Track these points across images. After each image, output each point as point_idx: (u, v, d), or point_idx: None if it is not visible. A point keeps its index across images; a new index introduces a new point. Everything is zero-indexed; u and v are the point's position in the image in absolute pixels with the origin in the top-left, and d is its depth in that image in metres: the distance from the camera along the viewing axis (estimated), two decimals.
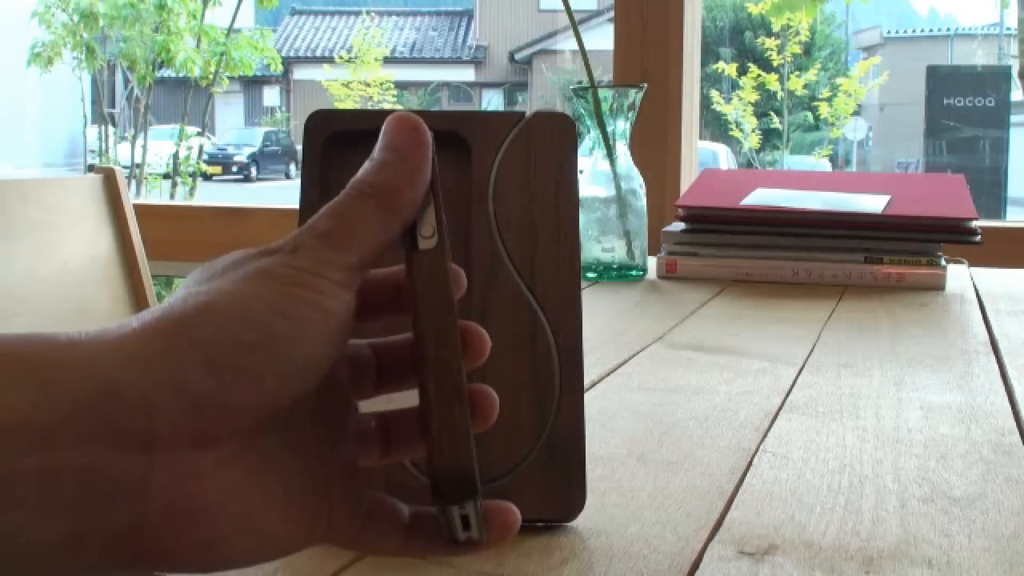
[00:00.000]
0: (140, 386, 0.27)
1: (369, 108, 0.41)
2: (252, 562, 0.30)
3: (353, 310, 0.32)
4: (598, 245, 1.22)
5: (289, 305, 0.30)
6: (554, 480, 0.46)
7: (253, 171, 14.44)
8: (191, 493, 0.28)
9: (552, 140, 0.48)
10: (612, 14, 1.73)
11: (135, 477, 0.27)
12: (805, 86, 11.03)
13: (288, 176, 14.50)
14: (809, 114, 11.83)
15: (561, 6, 1.29)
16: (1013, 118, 10.31)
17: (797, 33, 10.30)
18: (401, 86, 14.37)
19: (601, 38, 1.99)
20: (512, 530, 0.34)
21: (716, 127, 11.05)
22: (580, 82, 1.23)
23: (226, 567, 0.30)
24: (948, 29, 15.55)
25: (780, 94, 10.84)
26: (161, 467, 0.27)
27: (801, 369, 0.78)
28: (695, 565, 0.42)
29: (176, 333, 0.28)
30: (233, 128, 15.94)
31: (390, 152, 0.33)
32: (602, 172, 1.22)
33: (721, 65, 10.79)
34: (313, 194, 0.47)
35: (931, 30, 15.90)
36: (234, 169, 14.17)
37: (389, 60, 14.17)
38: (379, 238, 0.32)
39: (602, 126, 1.20)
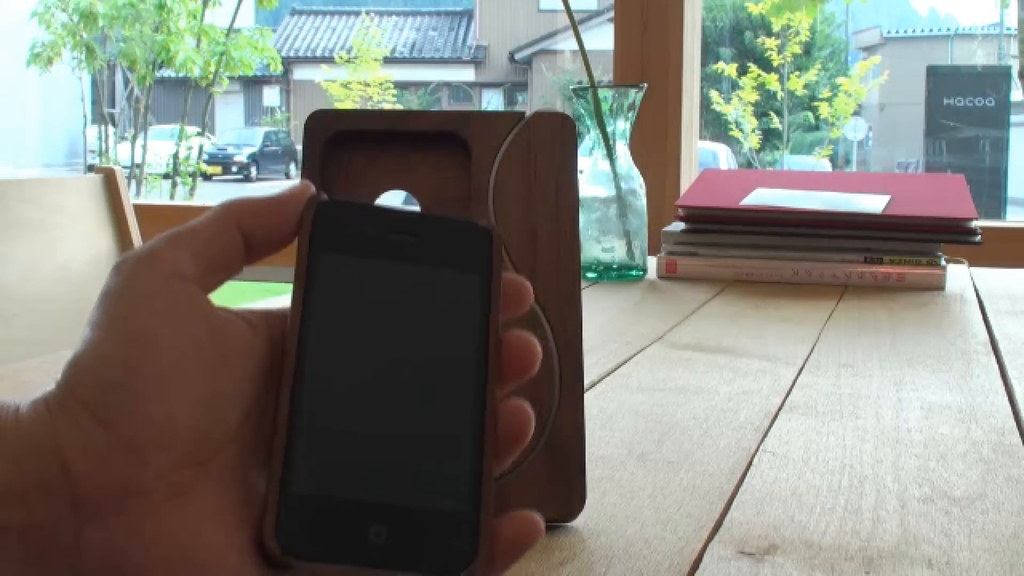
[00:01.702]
0: (55, 448, 0.28)
1: (369, 108, 0.41)
2: None
3: (212, 316, 0.30)
4: (598, 245, 1.22)
5: (135, 325, 0.29)
6: (554, 480, 0.46)
7: (253, 171, 14.44)
8: (123, 547, 0.28)
9: (552, 140, 0.48)
10: (612, 14, 1.73)
11: (68, 535, 0.27)
12: (805, 86, 11.04)
13: (288, 176, 14.51)
14: (809, 114, 11.83)
15: (561, 6, 1.29)
16: (1013, 118, 10.31)
17: (797, 33, 10.31)
18: (401, 86, 14.38)
19: (601, 38, 1.99)
20: (529, 545, 0.32)
21: (716, 127, 11.05)
22: (580, 82, 1.23)
23: None
24: (948, 29, 15.55)
25: (780, 94, 10.85)
26: (90, 523, 0.27)
27: (801, 369, 0.78)
28: (695, 565, 0.42)
29: (64, 395, 0.28)
30: (233, 128, 15.94)
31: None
32: (602, 172, 1.22)
33: (721, 65, 10.80)
34: None
35: (931, 30, 15.90)
36: (234, 169, 14.17)
37: (389, 60, 14.18)
38: (214, 235, 0.32)
39: (602, 126, 1.20)
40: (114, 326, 0.29)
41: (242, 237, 0.32)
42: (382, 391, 0.31)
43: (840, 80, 11.37)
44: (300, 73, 16.64)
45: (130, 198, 1.45)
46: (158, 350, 0.29)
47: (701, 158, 2.41)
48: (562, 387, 0.46)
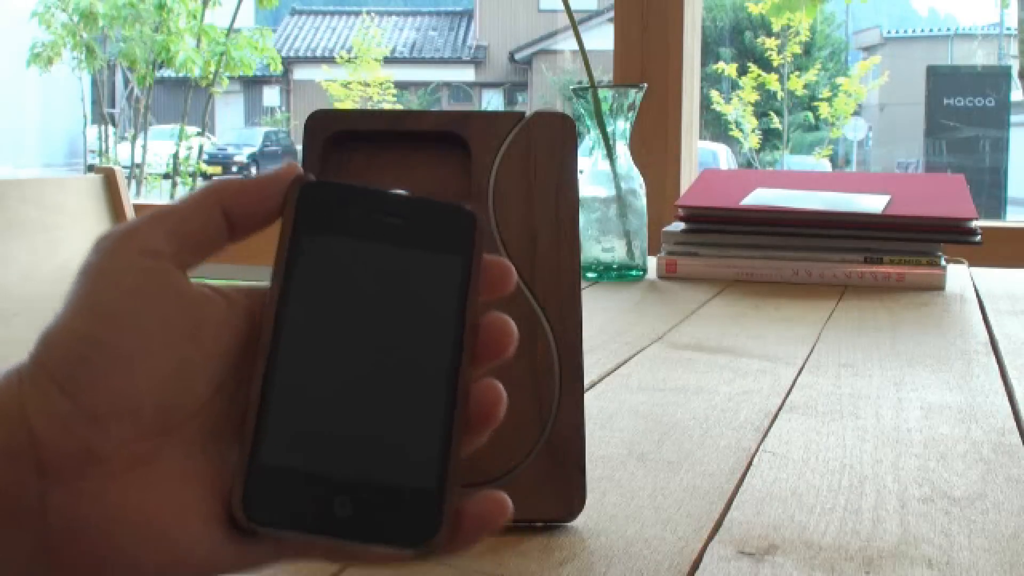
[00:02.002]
0: (22, 417, 0.29)
1: (369, 108, 0.41)
2: (176, 573, 0.30)
3: (186, 289, 0.32)
4: (598, 245, 1.22)
5: (103, 301, 0.31)
6: (554, 480, 0.46)
7: (253, 171, 14.44)
8: (86, 511, 0.29)
9: (552, 140, 0.48)
10: (612, 14, 1.73)
11: (33, 499, 0.29)
12: (805, 86, 11.04)
13: None
14: (809, 114, 11.83)
15: (561, 6, 1.29)
16: (1013, 118, 10.31)
17: (797, 33, 10.31)
18: (401, 86, 14.37)
19: (601, 38, 1.99)
20: (496, 525, 0.33)
21: (716, 127, 11.05)
22: (580, 82, 1.23)
23: None
24: (948, 29, 15.54)
25: (780, 94, 10.85)
26: (55, 488, 0.29)
27: (801, 369, 0.78)
28: (695, 565, 0.42)
29: (34, 367, 0.30)
30: (233, 128, 15.94)
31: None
32: (602, 172, 1.22)
33: (721, 65, 10.79)
34: None
35: (931, 30, 15.89)
36: (234, 169, 14.17)
37: (389, 60, 14.18)
38: (192, 213, 0.33)
39: (602, 126, 1.20)
40: (84, 302, 0.31)
41: (223, 216, 0.33)
42: (355, 368, 0.32)
43: (840, 80, 11.36)
44: (300, 73, 16.64)
45: (130, 198, 1.45)
46: (123, 325, 0.30)
47: (701, 158, 2.41)
48: (562, 387, 0.46)
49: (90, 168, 1.84)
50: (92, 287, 0.31)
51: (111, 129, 8.06)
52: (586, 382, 0.70)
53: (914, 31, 15.53)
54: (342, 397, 0.32)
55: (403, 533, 0.31)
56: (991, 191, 9.71)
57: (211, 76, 7.29)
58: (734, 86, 10.72)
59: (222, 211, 0.33)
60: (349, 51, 13.21)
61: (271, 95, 17.73)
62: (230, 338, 0.32)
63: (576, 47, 1.25)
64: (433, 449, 0.32)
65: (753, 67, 10.54)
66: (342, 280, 0.33)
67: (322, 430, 0.31)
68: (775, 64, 10.63)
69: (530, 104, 15.72)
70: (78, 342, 0.30)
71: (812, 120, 11.92)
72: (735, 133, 10.64)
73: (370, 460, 0.31)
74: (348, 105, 11.52)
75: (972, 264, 1.32)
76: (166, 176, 7.54)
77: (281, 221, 0.33)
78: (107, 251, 0.32)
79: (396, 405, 0.32)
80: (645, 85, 1.22)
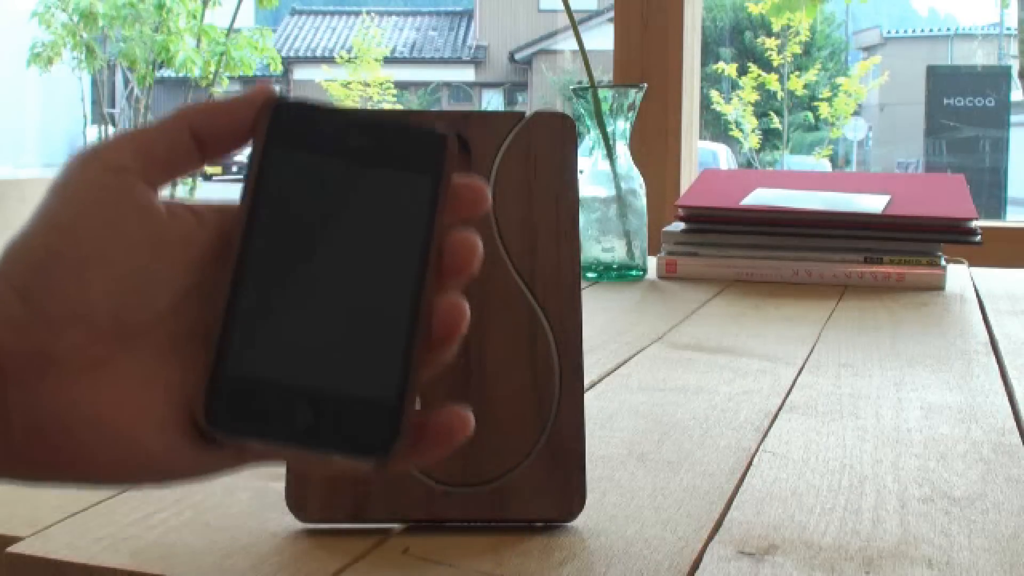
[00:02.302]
0: None
1: (369, 108, 0.41)
2: (138, 474, 0.32)
3: (148, 202, 0.33)
4: (598, 245, 1.22)
5: (62, 213, 0.33)
6: (554, 480, 0.46)
7: None
8: (46, 410, 0.31)
9: (552, 140, 0.48)
10: (612, 14, 1.73)
11: None
12: (805, 86, 11.04)
13: None
14: (809, 114, 11.83)
15: (561, 6, 1.29)
16: (1013, 118, 10.31)
17: (797, 33, 10.31)
18: (401, 86, 14.38)
19: (601, 38, 1.99)
20: (457, 440, 0.33)
21: (716, 127, 11.05)
22: (580, 82, 1.23)
23: (111, 479, 0.32)
24: (948, 29, 15.54)
25: (780, 94, 10.85)
26: (15, 388, 0.30)
27: (801, 369, 0.78)
28: (695, 565, 0.42)
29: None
30: None
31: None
32: (602, 172, 1.22)
33: (721, 65, 10.80)
34: None
35: (931, 30, 15.90)
36: (234, 169, 14.14)
37: (389, 60, 14.18)
38: (161, 133, 0.34)
39: (602, 126, 1.20)
40: (44, 215, 0.33)
41: (192, 137, 0.34)
42: (321, 281, 0.33)
43: (840, 80, 11.37)
44: (300, 73, 16.64)
45: None
46: (79, 236, 0.32)
47: (701, 158, 2.41)
48: (562, 387, 0.46)
49: None
50: (54, 201, 0.33)
51: (111, 129, 8.06)
52: (586, 382, 0.70)
53: (914, 31, 15.53)
54: (307, 309, 0.33)
55: (362, 443, 0.32)
56: (991, 191, 9.71)
57: (211, 76, 7.28)
58: (734, 86, 10.73)
59: (191, 132, 0.34)
60: (349, 51, 13.21)
61: None
62: (198, 251, 0.33)
63: (576, 47, 1.25)
64: (394, 362, 0.33)
65: (753, 67, 10.54)
66: (311, 197, 0.34)
67: (286, 341, 0.32)
68: (775, 64, 10.63)
69: (530, 104, 15.72)
70: (35, 252, 0.32)
71: (812, 120, 11.92)
72: (735, 133, 10.64)
73: (332, 371, 0.32)
74: (348, 105, 11.52)
75: (972, 264, 1.32)
76: None
77: (252, 140, 0.34)
78: (73, 168, 0.33)
79: (359, 319, 0.33)
80: (645, 85, 1.22)
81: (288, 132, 0.34)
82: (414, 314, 0.33)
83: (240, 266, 0.33)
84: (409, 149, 0.35)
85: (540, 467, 0.46)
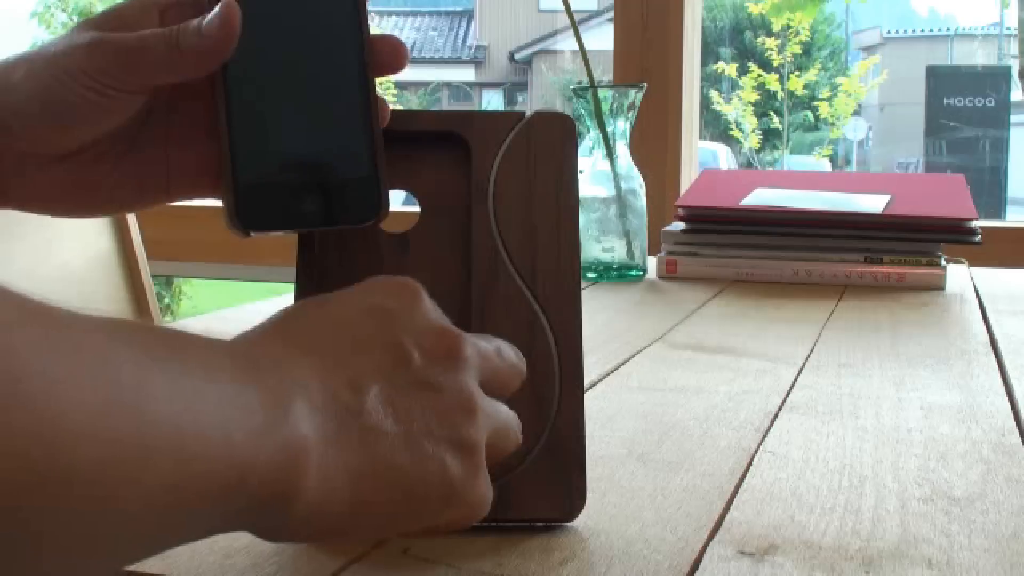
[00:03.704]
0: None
1: None
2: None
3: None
4: (598, 245, 1.22)
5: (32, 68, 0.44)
6: (554, 480, 0.46)
7: None
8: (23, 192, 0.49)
9: (552, 140, 0.48)
10: (612, 14, 1.73)
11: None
12: (805, 86, 11.03)
13: None
14: (809, 114, 11.82)
15: (561, 6, 1.29)
16: (1013, 118, 10.31)
17: (797, 33, 10.30)
18: (401, 86, 14.37)
19: (601, 38, 1.99)
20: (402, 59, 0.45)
21: (716, 127, 11.04)
22: (580, 82, 1.23)
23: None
24: (948, 29, 15.53)
25: (780, 94, 10.84)
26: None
27: (801, 369, 0.78)
28: (695, 565, 0.42)
29: None
30: None
31: None
32: (602, 172, 1.22)
33: (721, 65, 10.79)
34: None
35: (931, 30, 15.89)
36: None
37: None
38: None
39: (602, 126, 1.20)
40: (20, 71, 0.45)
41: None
42: (291, 96, 0.42)
43: (840, 80, 11.36)
44: None
45: None
46: (38, 81, 0.44)
47: (701, 158, 2.41)
48: (562, 387, 0.46)
49: None
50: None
51: None
52: (586, 382, 0.70)
53: (914, 31, 15.52)
54: (287, 121, 0.42)
55: (360, 212, 0.43)
56: (991, 191, 9.71)
57: None
58: (734, 86, 10.72)
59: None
60: None
61: None
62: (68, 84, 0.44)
63: (576, 47, 1.25)
64: (365, 144, 0.43)
65: (753, 67, 10.54)
66: (260, 17, 0.42)
67: (282, 148, 0.42)
68: (775, 64, 10.62)
69: (530, 104, 15.71)
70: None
71: (812, 120, 11.91)
72: (735, 133, 10.63)
73: (320, 163, 0.42)
74: None
75: (972, 264, 1.32)
76: None
77: None
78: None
79: (328, 117, 0.42)
80: (645, 85, 1.22)
81: None
82: (368, 103, 0.43)
83: (227, 97, 0.41)
84: None
85: (540, 467, 0.46)
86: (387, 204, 0.43)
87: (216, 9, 0.41)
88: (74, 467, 0.24)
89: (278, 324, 0.37)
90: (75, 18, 7.12)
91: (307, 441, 0.32)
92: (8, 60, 0.45)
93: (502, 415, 0.39)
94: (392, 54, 0.44)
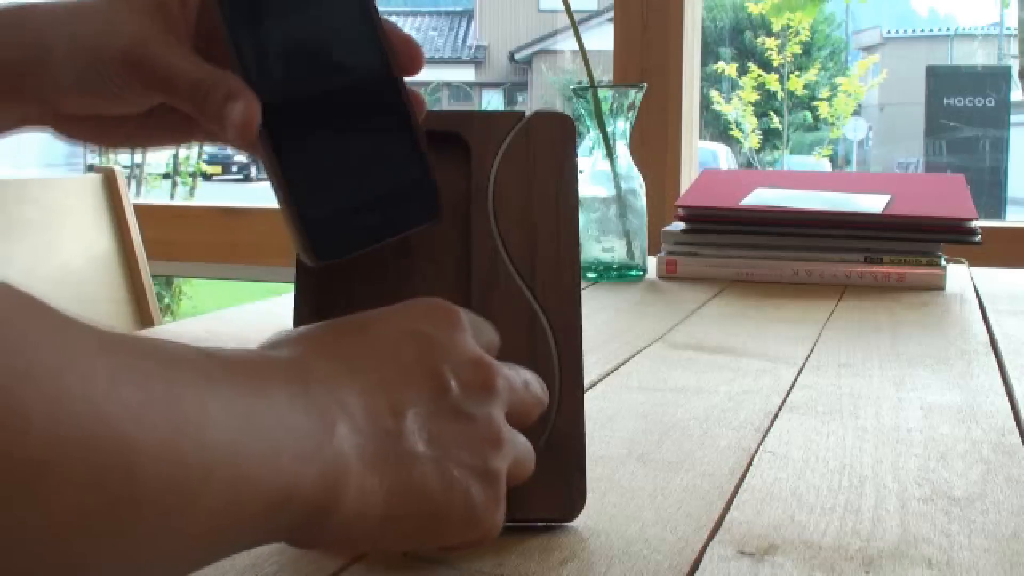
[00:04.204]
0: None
1: None
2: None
3: None
4: (598, 245, 1.22)
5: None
6: (555, 480, 0.46)
7: (253, 171, 14.41)
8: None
9: (552, 140, 0.48)
10: (612, 14, 1.73)
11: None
12: (805, 86, 11.02)
13: None
14: (809, 114, 11.82)
15: (561, 6, 1.29)
16: (1013, 118, 10.31)
17: (797, 33, 10.30)
18: None
19: (601, 38, 1.99)
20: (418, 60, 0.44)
21: (716, 127, 11.04)
22: (580, 82, 1.23)
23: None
24: (948, 29, 15.53)
25: (780, 94, 10.83)
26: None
27: (801, 369, 0.78)
28: (695, 565, 0.42)
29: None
30: None
31: None
32: (602, 172, 1.22)
33: (721, 65, 10.79)
34: None
35: (931, 30, 15.89)
36: (234, 169, 14.15)
37: None
38: None
39: (602, 126, 1.20)
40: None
41: None
42: (331, 120, 0.41)
43: (840, 80, 11.36)
44: None
45: (130, 198, 1.45)
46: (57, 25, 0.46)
47: (701, 158, 2.41)
48: (562, 387, 0.46)
49: (90, 168, 1.84)
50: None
51: None
52: (586, 382, 0.70)
53: (914, 31, 15.52)
54: (332, 144, 0.41)
55: (420, 216, 0.43)
56: (991, 191, 9.71)
57: None
58: (734, 86, 10.72)
59: None
60: None
61: None
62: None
63: (576, 47, 1.25)
64: (411, 147, 0.42)
65: (753, 67, 10.53)
66: (283, 52, 0.41)
67: (333, 173, 0.41)
68: (775, 64, 10.62)
69: (530, 104, 15.71)
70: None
71: (812, 120, 11.91)
72: (735, 133, 10.63)
73: (376, 179, 0.42)
74: None
75: (972, 264, 1.32)
76: (166, 176, 7.53)
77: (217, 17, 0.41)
78: None
79: (370, 130, 0.42)
80: (645, 85, 1.22)
81: (239, 9, 0.41)
82: (404, 110, 0.42)
83: (272, 139, 0.40)
84: None
85: (541, 467, 0.46)
86: (443, 198, 0.43)
87: (239, 107, 0.41)
88: (143, 490, 0.26)
89: (326, 341, 0.37)
90: None
91: (348, 461, 0.33)
92: (48, 17, 0.45)
93: (521, 446, 0.40)
94: (409, 56, 0.44)
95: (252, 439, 0.30)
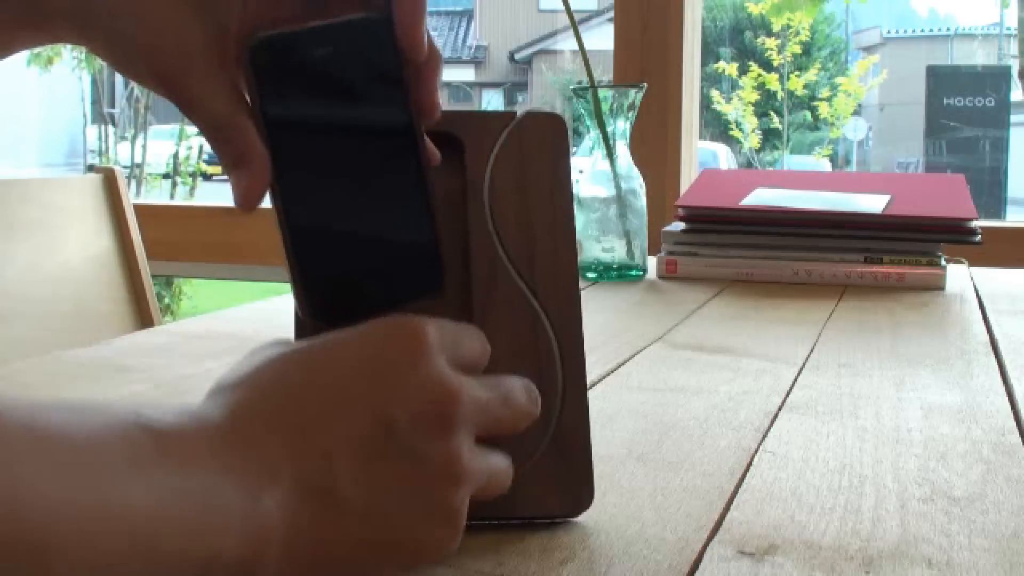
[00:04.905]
0: None
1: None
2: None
3: None
4: (598, 245, 1.22)
5: None
6: (560, 476, 0.46)
7: None
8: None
9: (544, 140, 0.48)
10: (612, 14, 1.73)
11: None
12: (805, 86, 11.02)
13: None
14: (809, 114, 11.82)
15: (561, 6, 1.29)
16: (1013, 118, 10.31)
17: (797, 33, 10.29)
18: None
19: (601, 38, 1.99)
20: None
21: (716, 127, 11.04)
22: (580, 82, 1.23)
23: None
24: (948, 29, 15.53)
25: (780, 94, 10.83)
26: None
27: (801, 369, 0.78)
28: (695, 565, 0.42)
29: None
30: None
31: None
32: (602, 172, 1.22)
33: (721, 65, 10.78)
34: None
35: (931, 30, 15.88)
36: None
37: None
38: None
39: (602, 126, 1.20)
40: None
41: None
42: (345, 179, 0.40)
43: (840, 80, 11.35)
44: None
45: (130, 198, 1.45)
46: None
47: (701, 158, 2.41)
48: (565, 383, 0.47)
49: (90, 168, 1.84)
50: None
51: (111, 129, 8.05)
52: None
53: (914, 31, 15.52)
54: (346, 205, 0.40)
55: (423, 286, 0.41)
56: (991, 191, 9.71)
57: None
58: (734, 86, 10.71)
59: None
60: None
61: None
62: None
63: (576, 47, 1.25)
64: (422, 213, 0.41)
65: (753, 67, 10.53)
66: (308, 112, 0.39)
67: (343, 236, 0.40)
68: (775, 64, 10.61)
69: (530, 104, 15.71)
70: None
71: (812, 120, 11.90)
72: (735, 133, 10.62)
73: (383, 243, 0.40)
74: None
75: (972, 264, 1.32)
76: (166, 176, 7.53)
77: (245, 82, 0.40)
78: None
79: (383, 193, 0.40)
80: (645, 85, 1.22)
81: (269, 65, 0.39)
82: (420, 167, 0.40)
83: (282, 193, 0.39)
84: (363, 39, 0.40)
85: (546, 464, 0.46)
86: (447, 269, 0.41)
87: (244, 177, 0.40)
88: (59, 570, 0.28)
89: (266, 386, 0.36)
90: None
91: (275, 522, 0.33)
92: None
93: (490, 467, 0.39)
94: (430, 111, 0.42)
95: (174, 517, 0.30)
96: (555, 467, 0.46)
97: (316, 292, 0.39)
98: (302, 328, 0.44)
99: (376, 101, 0.40)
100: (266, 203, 0.41)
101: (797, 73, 10.78)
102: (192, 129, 7.70)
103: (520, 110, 0.49)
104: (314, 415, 0.35)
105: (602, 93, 1.19)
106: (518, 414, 0.40)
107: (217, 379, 0.37)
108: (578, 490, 0.46)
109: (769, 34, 10.73)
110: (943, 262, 1.19)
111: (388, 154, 0.40)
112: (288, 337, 0.40)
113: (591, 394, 0.70)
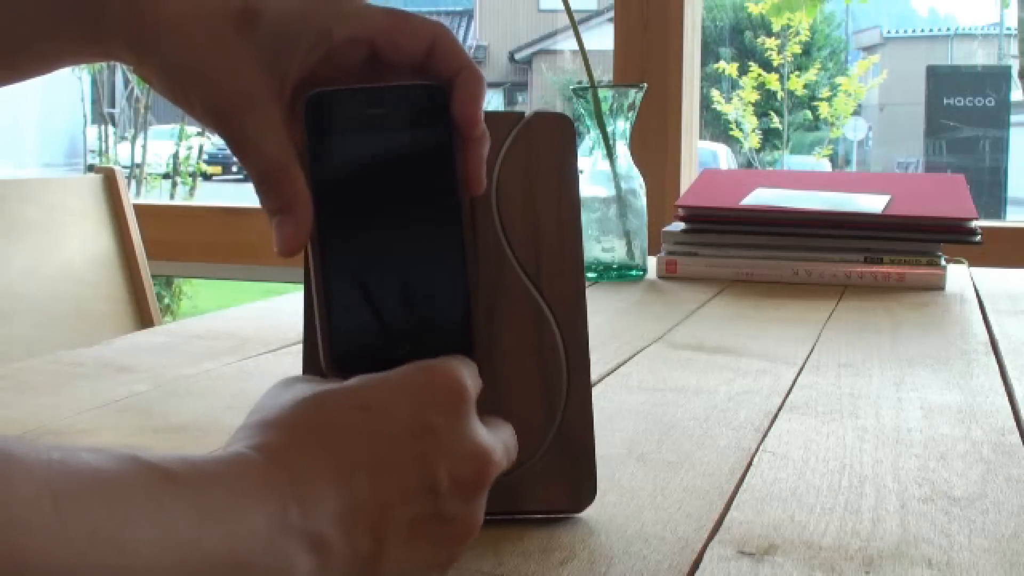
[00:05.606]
0: None
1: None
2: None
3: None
4: (598, 245, 1.22)
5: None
6: (565, 472, 0.46)
7: None
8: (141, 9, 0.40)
9: (552, 140, 0.48)
10: (612, 14, 1.73)
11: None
12: (805, 86, 11.02)
13: None
14: (809, 114, 11.82)
15: (561, 6, 1.29)
16: (1013, 118, 10.31)
17: (797, 33, 10.29)
18: None
19: (601, 38, 1.99)
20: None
21: (716, 127, 11.03)
22: (580, 82, 1.23)
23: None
24: (948, 29, 15.53)
25: (780, 94, 10.83)
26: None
27: (801, 369, 0.78)
28: (695, 565, 0.42)
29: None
30: None
31: None
32: (602, 172, 1.22)
33: (721, 65, 10.78)
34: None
35: (931, 30, 15.88)
36: (234, 169, 14.11)
37: None
38: None
39: (602, 126, 1.20)
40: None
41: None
42: (386, 239, 0.40)
43: (840, 80, 11.35)
44: None
45: (130, 198, 1.45)
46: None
47: (701, 158, 2.41)
48: (570, 380, 0.47)
49: (90, 168, 1.84)
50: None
51: (111, 129, 8.05)
52: None
53: (914, 31, 15.52)
54: (384, 265, 0.40)
55: (450, 352, 0.39)
56: (991, 191, 9.71)
57: None
58: (734, 86, 10.71)
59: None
60: None
61: None
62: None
63: (576, 47, 1.25)
64: (457, 287, 0.40)
65: (753, 67, 10.53)
66: (357, 169, 0.40)
67: (375, 296, 0.39)
68: (775, 64, 10.61)
69: (530, 104, 15.71)
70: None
71: (812, 120, 11.90)
72: (735, 133, 10.62)
73: (414, 308, 0.40)
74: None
75: (972, 264, 1.32)
76: (166, 176, 7.53)
77: (300, 132, 0.40)
78: None
79: (423, 258, 0.40)
80: (645, 85, 1.22)
81: (326, 119, 0.39)
82: (461, 239, 0.40)
83: (320, 244, 0.39)
84: (417, 105, 0.40)
85: (551, 460, 0.46)
86: (480, 339, 0.40)
87: (287, 227, 0.39)
88: None
89: (317, 430, 0.35)
90: None
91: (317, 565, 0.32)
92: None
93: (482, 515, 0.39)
94: (476, 185, 0.42)
95: (202, 569, 0.29)
96: (559, 463, 0.46)
97: (341, 345, 0.39)
98: (312, 365, 0.43)
99: (424, 167, 0.40)
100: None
101: (797, 73, 10.78)
102: (192, 129, 7.70)
103: (526, 110, 0.50)
104: (373, 466, 0.34)
105: (602, 93, 1.19)
106: (510, 463, 0.40)
107: (245, 422, 0.36)
108: (581, 486, 0.47)
109: (769, 34, 10.73)
110: (943, 262, 1.19)
111: (430, 220, 0.40)
112: (305, 376, 0.40)
113: None
